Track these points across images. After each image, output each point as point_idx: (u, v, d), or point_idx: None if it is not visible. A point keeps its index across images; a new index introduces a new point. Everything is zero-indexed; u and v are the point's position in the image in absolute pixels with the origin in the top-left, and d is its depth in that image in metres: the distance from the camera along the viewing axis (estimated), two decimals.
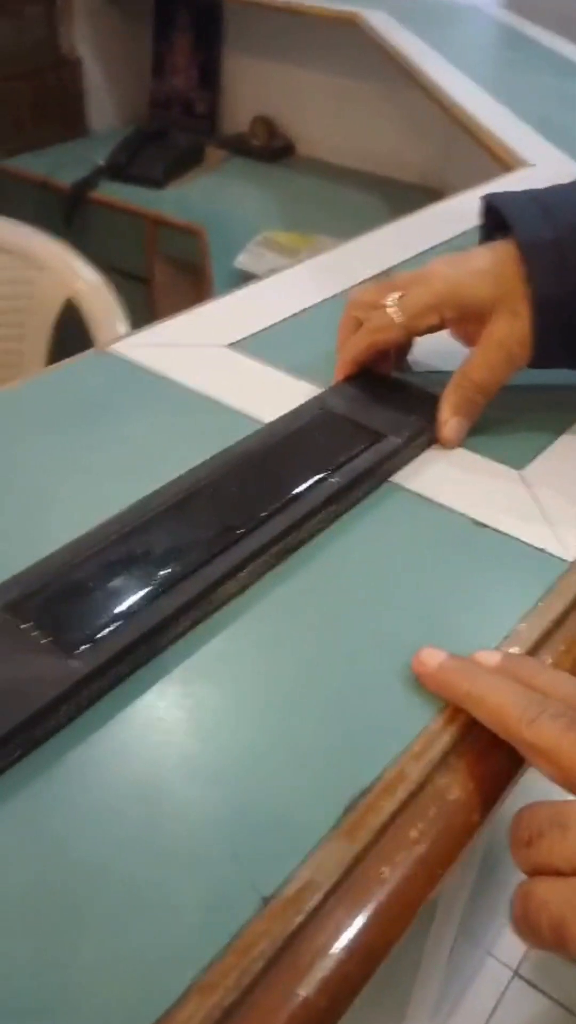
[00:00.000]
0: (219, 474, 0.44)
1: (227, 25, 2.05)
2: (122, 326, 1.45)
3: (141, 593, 0.37)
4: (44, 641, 0.35)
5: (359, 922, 0.29)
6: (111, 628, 0.35)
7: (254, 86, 2.08)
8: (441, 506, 0.46)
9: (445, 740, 0.34)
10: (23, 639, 0.35)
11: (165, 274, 1.88)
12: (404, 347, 0.55)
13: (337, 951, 0.28)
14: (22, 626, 0.35)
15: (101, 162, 1.93)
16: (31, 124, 2.04)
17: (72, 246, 1.48)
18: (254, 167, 2.02)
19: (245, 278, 1.57)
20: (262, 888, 0.29)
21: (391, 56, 1.57)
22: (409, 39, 1.57)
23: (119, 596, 0.37)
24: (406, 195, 1.88)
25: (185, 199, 1.87)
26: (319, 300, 0.65)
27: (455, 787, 0.33)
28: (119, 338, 0.59)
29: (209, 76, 2.11)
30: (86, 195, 1.88)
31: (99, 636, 0.35)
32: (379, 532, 0.44)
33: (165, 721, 0.34)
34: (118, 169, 1.90)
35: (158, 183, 1.89)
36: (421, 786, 0.33)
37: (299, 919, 0.29)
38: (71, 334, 1.46)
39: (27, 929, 0.28)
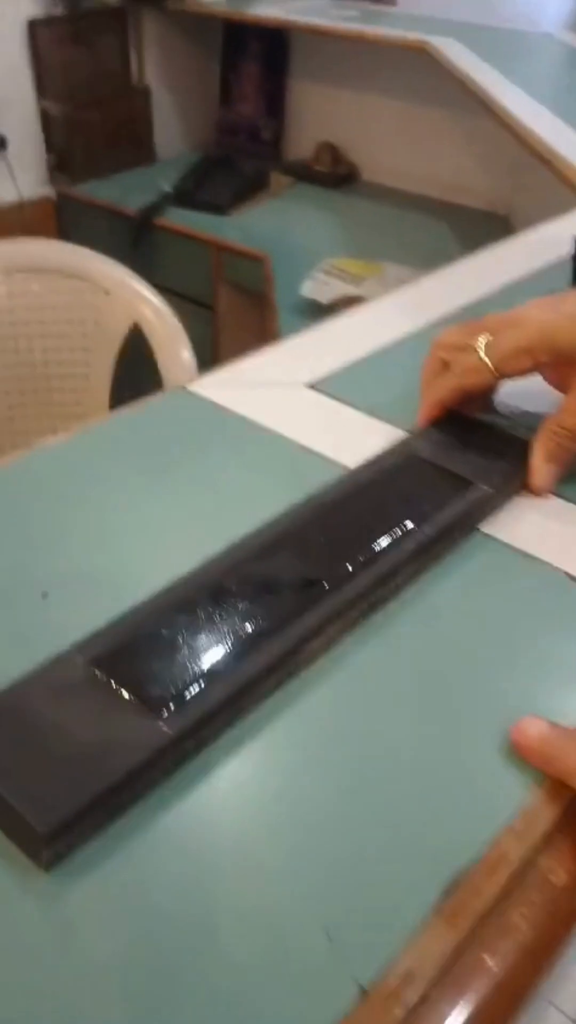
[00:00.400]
0: (303, 523, 0.43)
1: (294, 53, 2.06)
2: (186, 351, 1.46)
3: (227, 651, 0.36)
4: (131, 699, 0.34)
5: (462, 1018, 0.28)
6: (197, 688, 0.34)
7: (319, 112, 2.09)
8: (534, 559, 0.44)
9: (548, 818, 0.32)
10: (109, 697, 0.34)
11: (229, 300, 1.89)
12: (491, 391, 0.54)
13: None
14: (109, 682, 0.34)
15: (168, 188, 1.95)
16: (101, 151, 2.07)
17: (138, 271, 1.49)
18: (318, 193, 2.02)
19: (310, 306, 1.57)
20: (360, 975, 0.28)
21: (460, 83, 1.56)
22: (479, 65, 1.56)
23: (205, 654, 0.36)
24: (472, 221, 1.87)
25: (249, 225, 1.88)
26: (398, 337, 0.64)
27: (560, 870, 0.32)
28: (198, 377, 0.59)
29: (275, 103, 2.12)
30: (152, 221, 1.91)
31: (186, 697, 0.34)
32: (469, 587, 0.43)
33: (251, 787, 0.33)
34: (184, 195, 1.92)
35: (223, 210, 1.90)
36: (523, 868, 0.31)
37: (400, 1013, 0.27)
38: (136, 358, 1.48)
39: (118, 999, 0.27)
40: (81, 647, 0.36)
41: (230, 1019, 0.27)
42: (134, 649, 0.36)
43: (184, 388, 0.58)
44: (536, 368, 0.48)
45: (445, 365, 0.51)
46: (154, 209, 1.92)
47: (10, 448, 0.51)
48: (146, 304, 1.50)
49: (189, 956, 0.28)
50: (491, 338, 0.48)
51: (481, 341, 0.48)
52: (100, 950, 0.28)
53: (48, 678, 0.35)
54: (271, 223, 1.90)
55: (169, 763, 0.33)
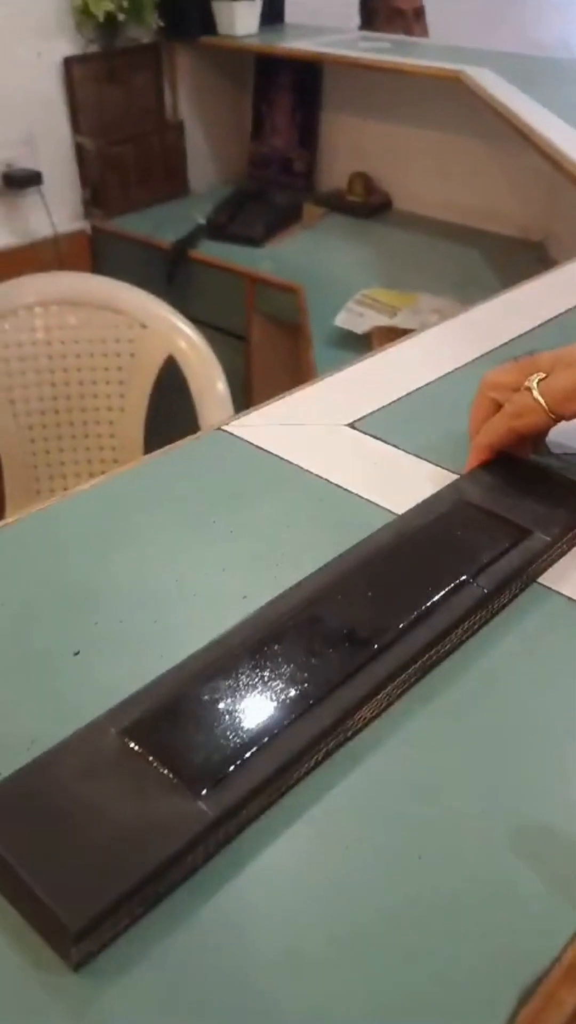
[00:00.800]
0: (350, 575, 0.40)
1: (326, 85, 2.06)
2: (220, 383, 1.45)
3: (270, 720, 0.33)
4: (167, 775, 0.31)
5: None
6: (240, 763, 0.32)
7: (351, 143, 2.08)
8: None
9: None
10: (144, 772, 0.31)
11: (263, 332, 1.88)
12: (545, 431, 0.51)
13: None
14: (145, 756, 0.32)
15: (202, 221, 1.95)
16: (135, 185, 2.08)
17: (173, 304, 1.49)
18: (351, 223, 2.01)
19: (345, 337, 1.55)
20: None
21: (493, 111, 1.54)
22: (514, 94, 1.54)
23: (246, 723, 0.33)
24: (506, 248, 1.84)
25: (283, 257, 1.87)
26: (441, 374, 0.62)
27: None
28: (236, 417, 0.57)
29: (307, 135, 2.12)
30: (187, 254, 1.91)
31: (227, 772, 0.31)
32: (529, 643, 0.40)
33: (298, 872, 0.30)
34: (218, 228, 1.92)
35: (257, 242, 1.90)
36: None
37: None
38: (171, 390, 1.47)
39: None
40: (113, 716, 0.34)
41: None
42: (169, 718, 0.34)
43: (222, 429, 0.55)
44: None
45: (496, 406, 0.48)
46: (188, 241, 1.92)
47: (47, 479, 0.49)
48: (181, 336, 1.49)
49: None
50: (545, 377, 0.45)
51: (534, 380, 0.46)
52: None
53: (78, 751, 0.32)
54: (305, 254, 1.89)
55: (211, 846, 0.30)
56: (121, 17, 1.86)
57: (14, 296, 1.54)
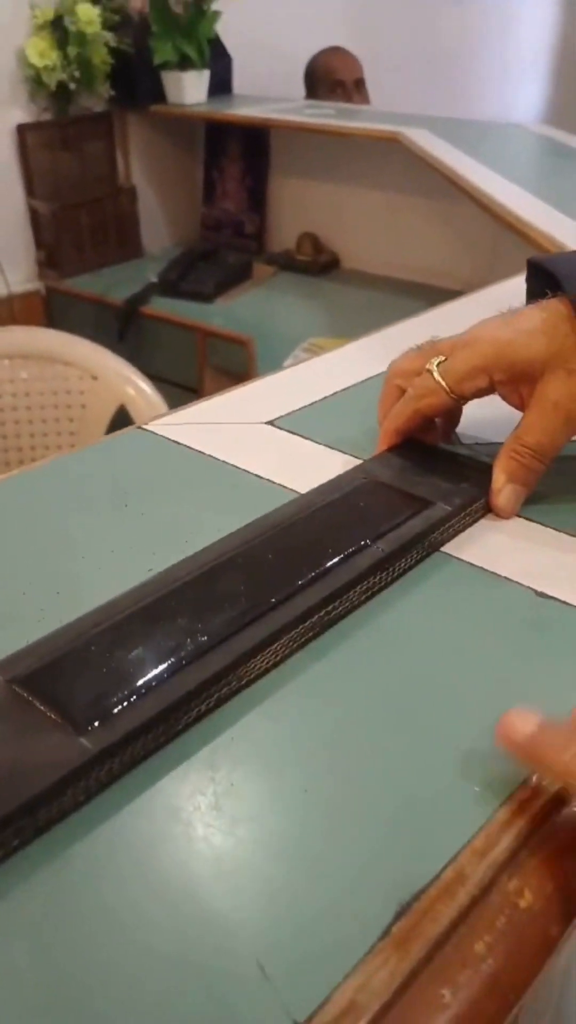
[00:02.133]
0: (251, 542, 0.41)
1: (274, 150, 2.14)
2: None
3: (161, 666, 0.33)
4: (53, 718, 0.31)
5: None
6: (126, 704, 0.32)
7: (300, 205, 2.15)
8: (498, 576, 0.42)
9: (513, 834, 0.29)
10: (30, 715, 0.31)
11: (214, 383, 1.90)
12: (452, 418, 0.52)
13: None
14: (30, 700, 0.32)
15: (153, 279, 1.99)
16: (90, 247, 2.13)
17: (125, 359, 1.51)
18: (301, 281, 2.07)
19: None
20: (295, 1011, 0.24)
21: (433, 170, 1.61)
22: (451, 152, 1.61)
23: (136, 669, 0.33)
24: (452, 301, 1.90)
25: (234, 312, 1.91)
26: (360, 379, 0.63)
27: (527, 891, 0.28)
28: (159, 416, 0.58)
29: (257, 198, 2.19)
30: (138, 310, 1.94)
31: (113, 713, 0.31)
32: (430, 604, 0.40)
33: (186, 811, 0.30)
34: (169, 285, 1.96)
35: (208, 298, 1.94)
36: (486, 890, 0.28)
37: None
38: None
39: None
40: (2, 666, 0.33)
41: None
42: (60, 667, 0.33)
43: (141, 427, 0.56)
44: (492, 386, 0.46)
45: (402, 392, 0.50)
46: (140, 299, 1.95)
47: None
48: (131, 386, 1.51)
49: (105, 999, 0.24)
50: (444, 360, 0.47)
51: (435, 363, 0.47)
52: (10, 1002, 0.25)
53: None
54: (255, 309, 1.93)
55: (92, 783, 0.30)
56: (73, 86, 1.92)
57: None
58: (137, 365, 1.50)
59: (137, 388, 1.50)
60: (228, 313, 1.90)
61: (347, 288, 2.03)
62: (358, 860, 0.28)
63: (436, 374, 0.47)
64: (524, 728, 0.30)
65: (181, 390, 1.88)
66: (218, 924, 0.26)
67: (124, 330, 1.95)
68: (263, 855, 0.28)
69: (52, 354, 1.57)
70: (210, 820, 0.30)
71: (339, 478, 0.47)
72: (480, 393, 0.47)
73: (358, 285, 2.03)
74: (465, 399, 0.47)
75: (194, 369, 1.89)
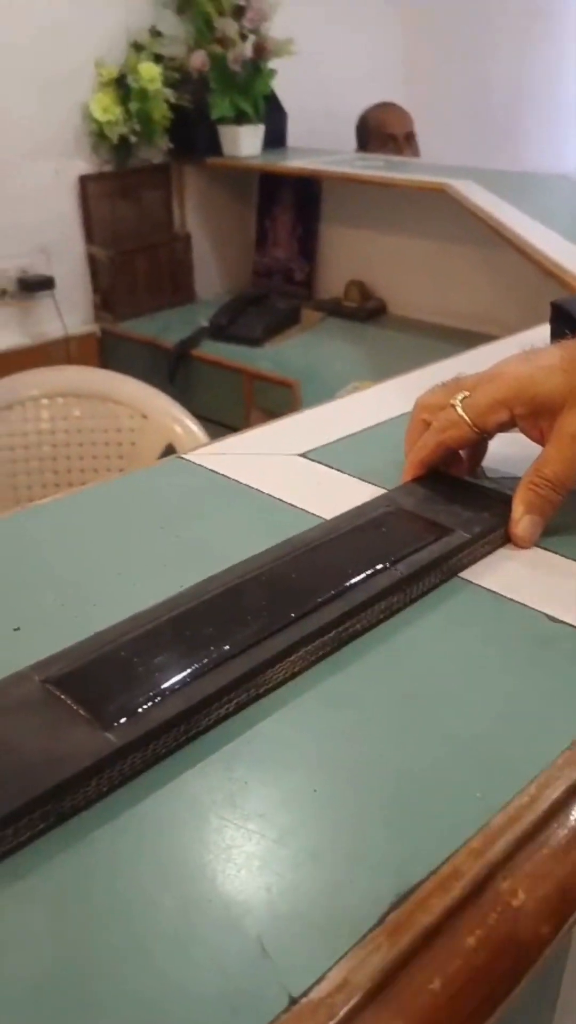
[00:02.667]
0: (277, 562, 0.43)
1: (324, 200, 2.20)
2: None
3: (184, 671, 0.36)
4: (82, 714, 0.33)
5: None
6: (150, 704, 0.34)
7: (348, 253, 2.21)
8: (513, 601, 0.43)
9: (510, 838, 0.31)
10: (60, 710, 0.34)
11: (260, 423, 1.94)
12: (478, 452, 0.54)
13: None
14: (61, 698, 0.34)
15: (205, 323, 2.05)
16: (144, 292, 2.20)
17: (175, 399, 1.56)
18: (348, 326, 2.11)
19: None
20: (291, 987, 0.26)
21: (479, 220, 1.65)
22: (496, 203, 1.65)
23: (162, 673, 0.35)
24: None
25: (281, 356, 1.96)
26: (391, 416, 0.66)
27: (520, 892, 0.29)
28: (198, 447, 0.61)
29: (307, 246, 2.25)
30: (189, 353, 2.00)
31: (137, 711, 0.33)
32: (445, 625, 0.42)
33: (202, 805, 0.32)
34: (219, 329, 2.02)
35: (256, 342, 1.99)
36: (480, 886, 0.29)
37: (330, 1022, 0.25)
38: None
39: (38, 1017, 0.25)
40: (38, 667, 0.36)
41: None
42: (92, 669, 0.36)
43: (180, 457, 0.59)
44: (513, 420, 0.48)
45: (428, 425, 0.52)
46: (191, 342, 2.01)
47: None
48: (180, 425, 1.55)
49: (114, 968, 0.26)
50: (468, 395, 0.49)
51: (458, 398, 0.49)
52: (24, 964, 0.27)
53: (1, 694, 0.34)
54: (302, 353, 1.98)
55: (116, 775, 0.32)
56: (134, 140, 2.01)
57: (21, 388, 1.61)
58: (186, 406, 1.54)
59: (185, 427, 1.54)
60: (275, 357, 1.95)
61: (392, 333, 2.06)
62: (359, 854, 0.30)
63: (459, 408, 0.49)
64: None
65: (227, 430, 1.92)
66: (223, 905, 0.28)
67: (174, 372, 2.01)
68: (271, 846, 0.30)
69: (104, 393, 1.62)
70: (224, 814, 0.32)
71: (364, 505, 0.49)
72: (502, 427, 0.49)
73: (403, 331, 2.07)
74: (487, 432, 0.49)
75: (241, 410, 1.94)
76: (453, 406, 0.49)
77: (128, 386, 1.62)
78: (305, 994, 0.25)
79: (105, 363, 2.21)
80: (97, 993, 0.26)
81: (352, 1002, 0.25)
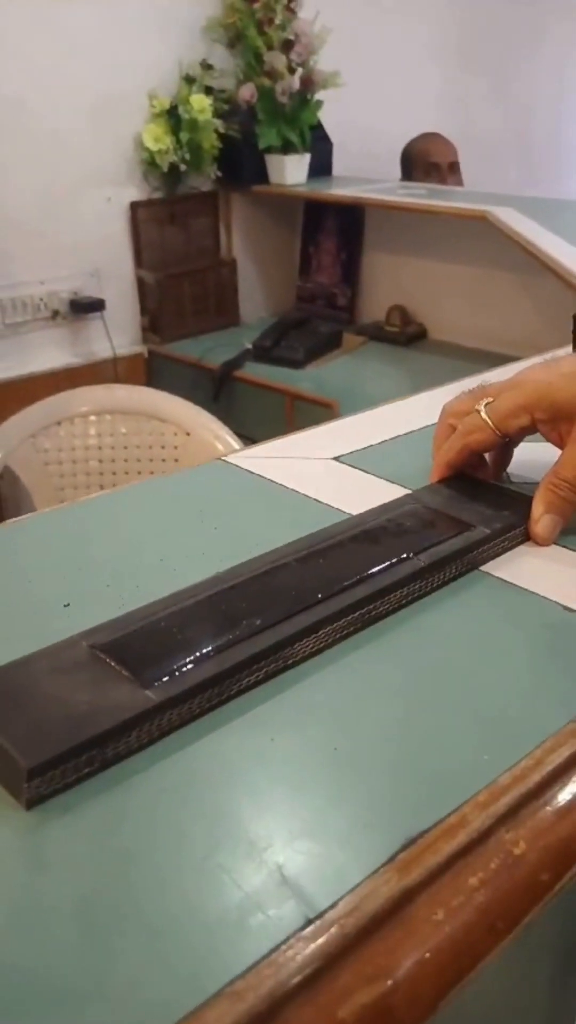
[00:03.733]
0: (307, 550, 0.46)
1: (368, 228, 2.25)
2: None
3: (219, 640, 0.39)
4: (125, 674, 0.37)
5: (408, 961, 0.28)
6: (187, 668, 0.37)
7: (391, 279, 2.25)
8: (529, 591, 0.46)
9: (515, 795, 0.33)
10: (105, 671, 0.37)
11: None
12: (503, 458, 0.57)
13: (385, 984, 0.27)
14: (106, 660, 0.37)
15: (248, 345, 2.10)
16: (190, 315, 2.27)
17: (218, 418, 1.60)
18: (388, 350, 2.15)
19: None
20: (307, 909, 0.29)
21: (520, 246, 1.68)
22: (537, 230, 1.68)
23: (198, 641, 0.39)
24: None
25: (322, 377, 2.00)
26: (422, 425, 0.68)
27: (522, 842, 0.32)
28: (238, 450, 0.64)
29: (350, 272, 2.30)
30: (232, 374, 2.05)
31: (175, 673, 0.37)
32: (462, 610, 0.44)
33: (233, 757, 0.35)
34: (263, 351, 2.07)
35: (298, 364, 2.03)
36: (484, 835, 0.32)
37: (341, 941, 0.28)
38: None
39: (78, 927, 0.28)
40: (86, 634, 0.39)
41: (178, 946, 0.28)
42: (135, 637, 0.39)
43: (220, 459, 0.63)
44: (534, 424, 0.51)
45: (454, 430, 0.55)
46: (234, 364, 2.06)
47: None
48: (222, 443, 1.60)
49: (148, 895, 0.29)
50: (492, 400, 0.52)
51: (483, 403, 0.52)
52: (66, 886, 0.30)
53: (51, 657, 0.38)
54: (342, 375, 2.02)
55: (154, 728, 0.35)
56: (183, 168, 2.08)
57: (71, 405, 1.67)
58: (228, 424, 1.59)
59: (226, 444, 1.58)
60: (316, 378, 1.99)
61: (432, 357, 2.10)
62: (375, 803, 0.33)
63: (483, 413, 0.52)
64: None
65: None
66: (248, 841, 0.31)
67: (218, 392, 2.06)
68: (293, 792, 0.33)
69: (150, 411, 1.67)
70: (251, 766, 0.35)
71: (390, 503, 0.52)
72: (523, 431, 0.52)
73: (443, 355, 2.10)
74: (510, 436, 0.52)
75: (282, 430, 1.97)
76: (477, 411, 0.52)
77: (173, 404, 1.67)
78: (320, 916, 0.28)
79: (151, 383, 2.27)
80: (127, 908, 0.29)
81: (362, 923, 0.28)
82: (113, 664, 0.37)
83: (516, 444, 0.56)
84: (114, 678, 0.37)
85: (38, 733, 0.33)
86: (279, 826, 0.32)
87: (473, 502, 0.52)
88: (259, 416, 2.01)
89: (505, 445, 0.55)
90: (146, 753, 0.35)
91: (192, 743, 0.36)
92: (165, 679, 0.36)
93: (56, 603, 0.45)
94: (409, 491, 0.56)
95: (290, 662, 0.40)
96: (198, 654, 0.38)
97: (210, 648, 0.38)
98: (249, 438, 1.74)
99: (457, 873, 0.30)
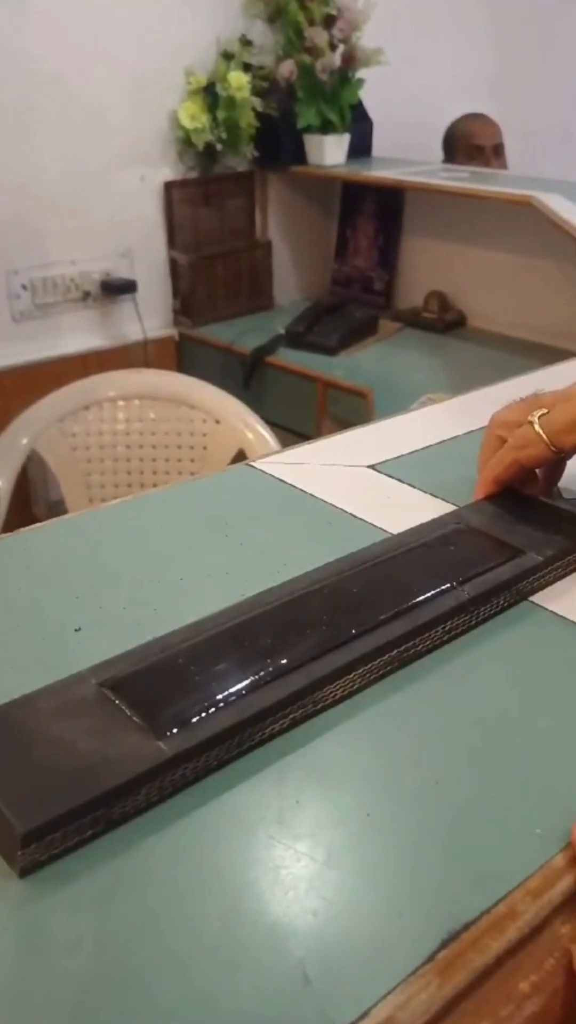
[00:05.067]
0: (340, 575, 0.42)
1: (407, 211, 2.19)
2: None
3: (241, 683, 0.35)
4: (136, 721, 0.33)
5: None
6: (204, 715, 0.33)
7: (429, 264, 2.19)
8: None
9: (570, 880, 0.29)
10: (113, 715, 0.33)
11: (331, 432, 1.94)
12: (554, 472, 0.53)
13: None
14: (116, 703, 0.34)
15: (281, 331, 2.05)
16: (223, 298, 2.22)
17: (248, 405, 1.56)
18: (425, 337, 2.09)
19: None
20: (334, 1019, 0.25)
21: (565, 233, 1.61)
22: None
23: (218, 683, 0.35)
24: None
25: (356, 365, 1.95)
26: (465, 431, 0.64)
27: None
28: (268, 454, 0.60)
29: (388, 256, 2.24)
30: (264, 359, 2.00)
31: (191, 722, 0.33)
32: (512, 650, 0.40)
33: (251, 821, 0.31)
34: (296, 337, 2.02)
35: (332, 351, 1.98)
36: (537, 930, 0.28)
37: None
38: None
39: (83, 1017, 0.25)
40: (96, 670, 0.36)
41: None
42: (148, 675, 0.36)
43: (249, 464, 0.59)
44: None
45: (503, 442, 0.51)
46: (266, 349, 2.02)
47: None
48: (251, 431, 1.56)
49: (157, 985, 0.26)
50: (546, 413, 0.48)
51: (536, 415, 0.48)
52: (63, 972, 0.26)
53: (58, 693, 0.34)
54: (377, 363, 1.96)
55: (167, 784, 0.32)
56: (219, 147, 2.03)
57: (100, 389, 1.64)
58: (259, 412, 1.54)
59: (256, 433, 1.54)
60: (351, 365, 1.94)
61: (471, 346, 2.03)
62: (411, 885, 0.29)
63: (537, 426, 0.48)
64: None
65: (299, 438, 1.92)
66: (267, 927, 0.27)
67: (249, 378, 2.02)
68: (319, 869, 0.29)
69: (179, 397, 1.63)
70: (273, 832, 0.31)
71: (432, 522, 0.48)
72: None
73: (482, 343, 2.04)
74: (565, 452, 0.48)
75: (313, 418, 1.93)
76: (531, 423, 0.48)
77: (203, 391, 1.63)
78: None
79: (182, 367, 2.23)
80: (134, 1003, 0.25)
81: None
82: (123, 707, 0.34)
83: (569, 458, 0.51)
84: (123, 724, 0.33)
85: (37, 790, 0.30)
86: (301, 908, 0.28)
87: (523, 523, 0.48)
88: (290, 404, 1.97)
89: (558, 460, 0.50)
90: (157, 811, 0.31)
91: (207, 801, 0.32)
92: (179, 728, 0.33)
93: (67, 627, 0.42)
94: (452, 506, 0.52)
95: (319, 707, 0.36)
96: (217, 698, 0.34)
97: (230, 692, 0.34)
98: (280, 426, 1.70)
99: (506, 976, 0.27)
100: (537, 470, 0.52)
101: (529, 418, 0.48)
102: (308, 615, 0.39)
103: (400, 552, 0.45)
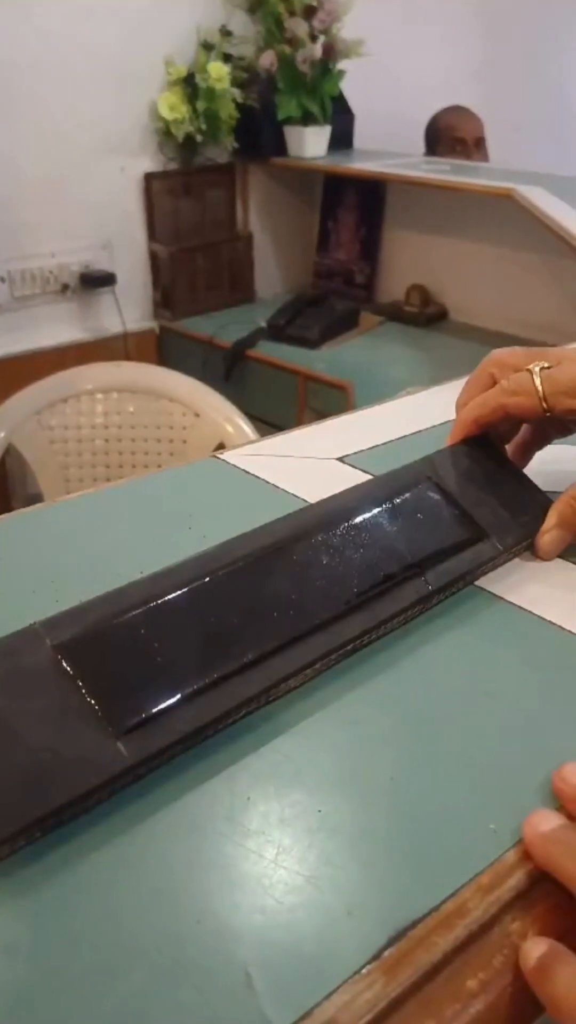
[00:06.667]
0: (308, 530, 0.41)
1: (389, 203, 2.18)
2: None
3: (201, 671, 0.34)
4: (93, 706, 0.32)
5: None
6: (166, 710, 0.32)
7: (411, 257, 2.18)
8: (533, 615, 0.41)
9: (522, 875, 0.29)
10: (71, 698, 0.32)
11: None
12: (536, 438, 0.50)
13: None
14: (74, 678, 0.32)
15: (262, 324, 2.05)
16: (204, 291, 2.21)
17: (228, 398, 1.55)
18: (407, 331, 2.08)
19: None
20: (274, 1021, 0.24)
21: (546, 227, 1.61)
22: (565, 210, 1.61)
23: (178, 669, 0.34)
24: None
25: (337, 358, 1.94)
26: (437, 423, 0.64)
27: (530, 934, 0.28)
28: (235, 446, 0.60)
29: (369, 249, 2.23)
30: (245, 353, 1.99)
31: (152, 713, 0.32)
32: (462, 637, 0.40)
33: (201, 817, 0.31)
34: (277, 330, 2.01)
35: (313, 344, 1.98)
36: (486, 927, 0.27)
37: None
38: None
39: None
40: (49, 625, 0.34)
41: None
42: (105, 642, 0.34)
43: (215, 456, 0.58)
44: None
45: (493, 382, 0.47)
46: (247, 342, 2.01)
47: None
48: (231, 424, 1.55)
49: (94, 991, 0.25)
50: (550, 366, 0.45)
51: (538, 366, 0.45)
52: (13, 977, 0.26)
53: (9, 657, 0.33)
54: (358, 356, 1.96)
55: (117, 788, 0.31)
56: (200, 139, 2.02)
57: (78, 382, 1.62)
58: (239, 405, 1.54)
59: (236, 427, 1.54)
60: (331, 359, 1.94)
61: (452, 340, 2.03)
62: (362, 883, 0.28)
63: (537, 377, 0.44)
64: (544, 826, 0.29)
65: (279, 431, 1.91)
66: (213, 929, 0.27)
67: (230, 371, 2.01)
68: (267, 868, 0.29)
69: (158, 390, 1.62)
70: (223, 830, 0.30)
71: (403, 470, 0.46)
72: (572, 414, 0.45)
73: (464, 337, 2.04)
74: (555, 414, 0.45)
75: (294, 411, 1.93)
76: (531, 372, 0.45)
77: (182, 384, 1.63)
78: None
79: (162, 360, 2.22)
80: (71, 1010, 0.25)
81: None
82: (83, 689, 0.32)
83: (555, 432, 0.50)
84: (81, 712, 0.32)
85: None
86: (248, 908, 0.28)
87: (490, 494, 0.46)
88: (271, 397, 1.96)
89: (544, 426, 0.48)
90: (102, 808, 0.31)
91: (154, 798, 0.31)
92: (138, 723, 0.32)
93: (24, 622, 0.41)
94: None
95: (272, 698, 0.35)
96: (179, 688, 0.33)
97: (193, 688, 0.33)
98: (261, 419, 1.69)
99: (453, 974, 0.26)
100: (515, 439, 0.50)
101: (531, 366, 0.45)
102: (271, 589, 0.38)
103: (368, 514, 0.43)
